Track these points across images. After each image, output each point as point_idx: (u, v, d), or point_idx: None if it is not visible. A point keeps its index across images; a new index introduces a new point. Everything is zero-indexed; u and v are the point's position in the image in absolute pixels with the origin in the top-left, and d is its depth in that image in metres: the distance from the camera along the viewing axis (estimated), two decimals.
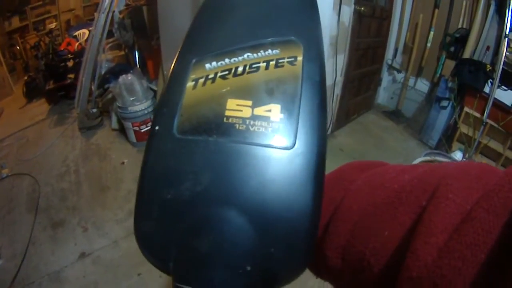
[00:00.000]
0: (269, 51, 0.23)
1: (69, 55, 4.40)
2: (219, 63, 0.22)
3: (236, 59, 0.22)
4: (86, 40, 4.26)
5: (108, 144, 3.09)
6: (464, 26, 2.80)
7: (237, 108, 0.20)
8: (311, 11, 0.26)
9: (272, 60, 0.22)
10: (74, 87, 3.77)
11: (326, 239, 0.23)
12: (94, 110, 3.37)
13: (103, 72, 3.46)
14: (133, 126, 2.82)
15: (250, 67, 0.22)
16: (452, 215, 0.17)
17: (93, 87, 3.40)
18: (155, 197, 0.19)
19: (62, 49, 4.68)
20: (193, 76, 0.22)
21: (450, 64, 2.80)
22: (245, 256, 0.18)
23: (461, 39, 2.75)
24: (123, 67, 3.47)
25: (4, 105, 4.76)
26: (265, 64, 0.22)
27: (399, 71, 3.56)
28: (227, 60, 0.22)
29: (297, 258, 0.19)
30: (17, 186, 2.63)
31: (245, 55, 0.22)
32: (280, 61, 0.22)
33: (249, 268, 0.17)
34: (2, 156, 3.12)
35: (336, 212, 0.24)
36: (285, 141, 0.19)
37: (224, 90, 0.21)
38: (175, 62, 0.23)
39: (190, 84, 0.22)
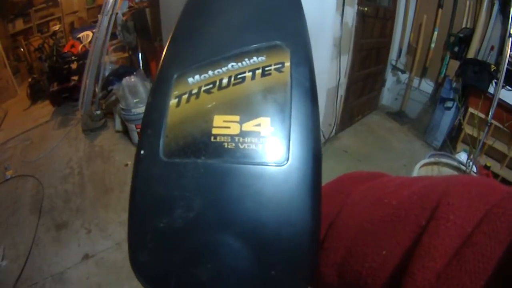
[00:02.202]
0: (255, 58, 0.21)
1: (73, 57, 4.42)
2: (202, 76, 0.21)
3: (220, 70, 0.21)
4: (90, 42, 4.27)
5: (111, 146, 3.10)
6: (468, 26, 2.78)
7: (224, 125, 0.19)
8: (296, 12, 0.25)
9: (258, 68, 0.21)
10: (78, 89, 3.79)
11: (321, 255, 0.23)
12: (98, 112, 3.39)
13: (106, 74, 3.47)
14: (136, 128, 2.82)
15: (236, 78, 0.21)
16: (453, 238, 0.16)
17: (96, 89, 3.41)
18: (147, 226, 0.18)
19: (66, 51, 4.70)
20: (176, 93, 0.21)
21: (455, 65, 2.78)
22: (245, 281, 0.17)
23: (465, 39, 2.73)
24: (127, 69, 3.48)
25: (8, 106, 4.79)
26: (251, 73, 0.21)
27: (403, 72, 3.54)
28: (210, 73, 0.21)
29: (299, 278, 0.18)
30: (21, 187, 2.64)
31: (229, 65, 0.21)
32: (266, 69, 0.21)
33: None
34: (6, 158, 3.14)
35: (332, 227, 0.23)
36: (278, 157, 0.18)
37: (209, 105, 0.20)
38: (156, 78, 0.22)
39: (173, 101, 0.20)
